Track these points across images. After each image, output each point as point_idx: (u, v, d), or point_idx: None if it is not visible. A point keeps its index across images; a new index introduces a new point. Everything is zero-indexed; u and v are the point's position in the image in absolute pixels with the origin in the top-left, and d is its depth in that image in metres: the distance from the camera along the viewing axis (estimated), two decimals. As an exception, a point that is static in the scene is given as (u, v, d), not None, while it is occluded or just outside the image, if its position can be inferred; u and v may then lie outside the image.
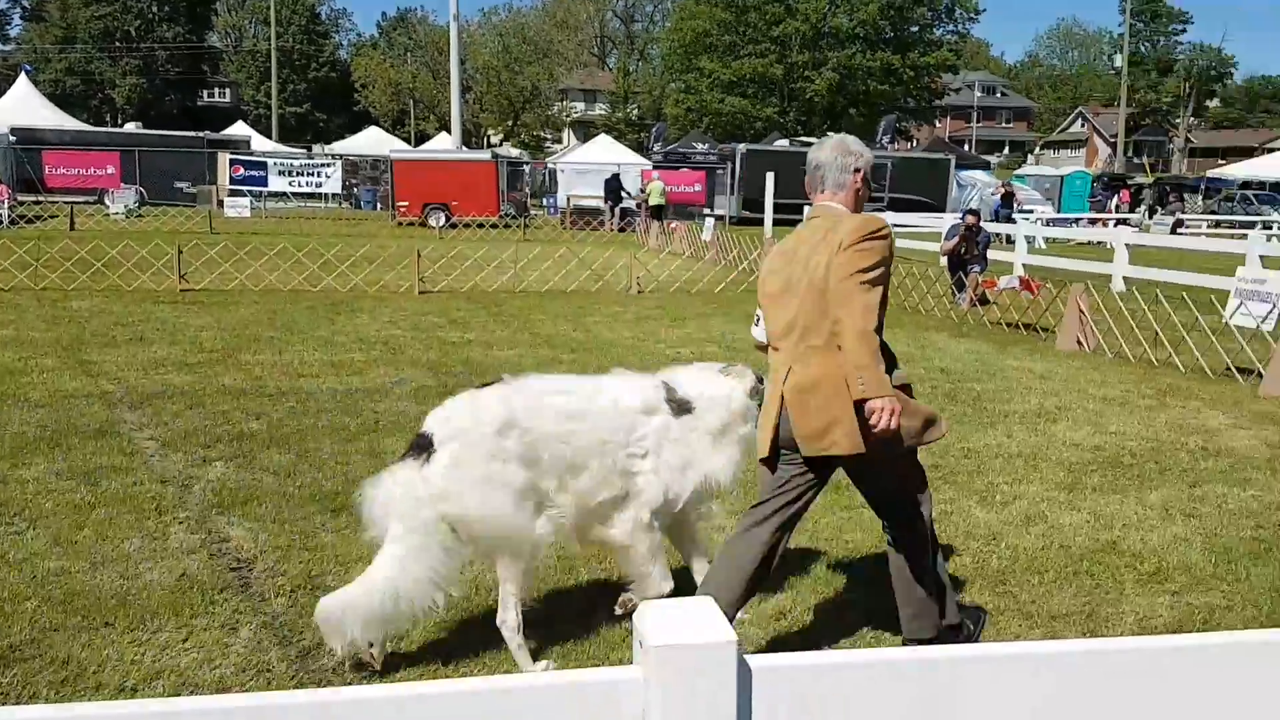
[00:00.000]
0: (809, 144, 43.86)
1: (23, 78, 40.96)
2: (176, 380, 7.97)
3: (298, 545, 4.63)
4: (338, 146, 49.16)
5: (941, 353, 10.36)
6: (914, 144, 63.21)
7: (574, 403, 3.63)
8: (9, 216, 25.43)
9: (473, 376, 8.49)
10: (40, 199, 30.30)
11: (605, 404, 3.67)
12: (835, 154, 3.70)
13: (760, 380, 3.85)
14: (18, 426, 6.42)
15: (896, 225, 25.83)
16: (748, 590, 3.41)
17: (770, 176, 30.75)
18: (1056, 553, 4.74)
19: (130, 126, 48.11)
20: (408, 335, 10.58)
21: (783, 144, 42.70)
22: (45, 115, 38.07)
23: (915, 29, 59.35)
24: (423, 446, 3.52)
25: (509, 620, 3.53)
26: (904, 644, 3.51)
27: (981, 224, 15.05)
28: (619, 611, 3.76)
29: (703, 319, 12.56)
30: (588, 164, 38.60)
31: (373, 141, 46.86)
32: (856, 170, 3.65)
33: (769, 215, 30.13)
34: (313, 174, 35.91)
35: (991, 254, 15.14)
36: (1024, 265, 18.01)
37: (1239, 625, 4.01)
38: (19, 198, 28.62)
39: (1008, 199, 31.40)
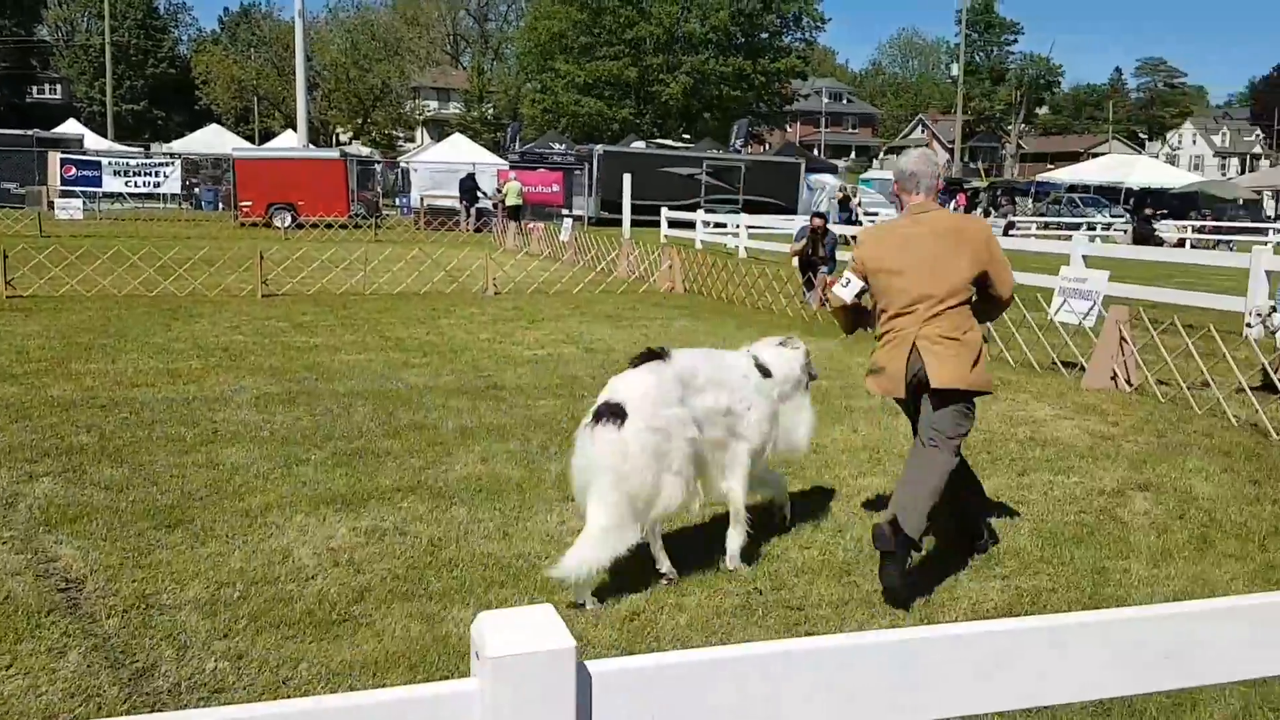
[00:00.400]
0: (665, 145, 44.70)
1: None
2: (0, 392, 7.46)
3: (130, 563, 4.40)
4: (177, 145, 46.98)
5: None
6: (766, 147, 64.81)
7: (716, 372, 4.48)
8: None
9: (319, 382, 8.26)
10: None
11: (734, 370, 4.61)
12: (927, 164, 4.56)
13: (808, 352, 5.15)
14: None
15: (750, 226, 26.46)
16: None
17: (627, 178, 31.05)
18: (898, 542, 4.92)
19: (-54, 122, 44.89)
20: (250, 341, 10.19)
21: (639, 146, 43.12)
22: None
23: (765, 36, 60.89)
24: (615, 413, 4.07)
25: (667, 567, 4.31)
26: (886, 524, 4.15)
27: (828, 226, 15.53)
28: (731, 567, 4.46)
29: (560, 320, 12.54)
30: (442, 163, 38.03)
31: (215, 140, 44.96)
32: (939, 177, 4.60)
33: (626, 216, 30.40)
34: (150, 174, 34.25)
35: (840, 255, 15.64)
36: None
37: (1064, 606, 4.25)
38: None
39: (844, 204, 32.50)
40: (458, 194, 32.71)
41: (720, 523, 4.80)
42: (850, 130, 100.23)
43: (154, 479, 5.56)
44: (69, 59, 71.97)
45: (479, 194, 32.89)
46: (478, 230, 30.55)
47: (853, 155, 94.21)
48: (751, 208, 35.16)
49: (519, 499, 5.40)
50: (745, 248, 25.35)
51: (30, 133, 38.30)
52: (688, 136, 53.16)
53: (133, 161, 35.44)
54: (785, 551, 4.77)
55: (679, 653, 1.38)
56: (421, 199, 34.68)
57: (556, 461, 6.11)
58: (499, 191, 32.52)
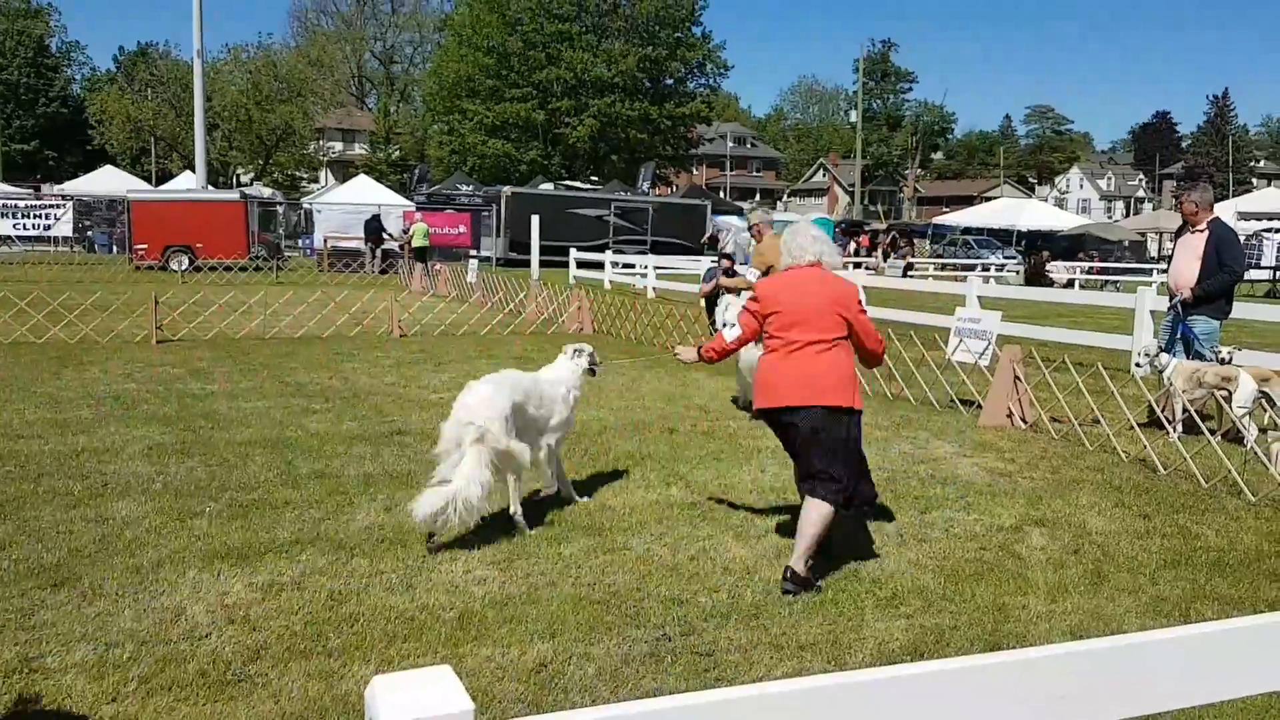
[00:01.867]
0: (574, 187, 44.92)
1: None
2: None
3: (12, 624, 4.17)
4: (70, 186, 45.42)
5: (700, 390, 10.72)
6: (673, 189, 65.64)
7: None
8: None
9: (214, 431, 8.01)
10: None
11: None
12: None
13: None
14: None
15: (658, 267, 26.70)
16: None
17: (535, 219, 31.03)
18: (805, 583, 4.96)
19: None
20: (143, 389, 9.84)
21: (547, 187, 43.29)
22: None
23: (670, 81, 61.88)
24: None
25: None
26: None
27: (735, 266, 15.72)
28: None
29: (468, 361, 12.41)
30: (347, 204, 37.52)
31: (110, 181, 43.61)
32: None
33: (535, 257, 30.34)
34: (41, 215, 33.03)
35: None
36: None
37: (966, 643, 4.33)
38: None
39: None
40: (363, 235, 32.29)
41: (623, 570, 4.77)
42: (754, 173, 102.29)
43: (39, 535, 5.30)
44: (-46, 97, 69.27)
45: (385, 235, 32.54)
46: (383, 272, 30.16)
47: (757, 198, 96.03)
48: (659, 248, 35.52)
49: (422, 548, 5.30)
50: (653, 287, 25.54)
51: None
52: (596, 178, 53.58)
53: (22, 203, 34.14)
54: (694, 595, 4.76)
55: (586, 711, 1.36)
56: (325, 240, 34.13)
57: (463, 509, 6.02)
58: (405, 233, 32.21)
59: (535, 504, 6.16)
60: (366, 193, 40.44)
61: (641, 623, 4.43)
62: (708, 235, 35.19)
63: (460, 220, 37.51)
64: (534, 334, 15.88)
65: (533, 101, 56.60)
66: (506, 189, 39.55)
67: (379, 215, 33.19)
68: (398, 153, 72.38)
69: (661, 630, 4.34)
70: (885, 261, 39.75)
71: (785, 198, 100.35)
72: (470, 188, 42.51)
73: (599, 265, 29.43)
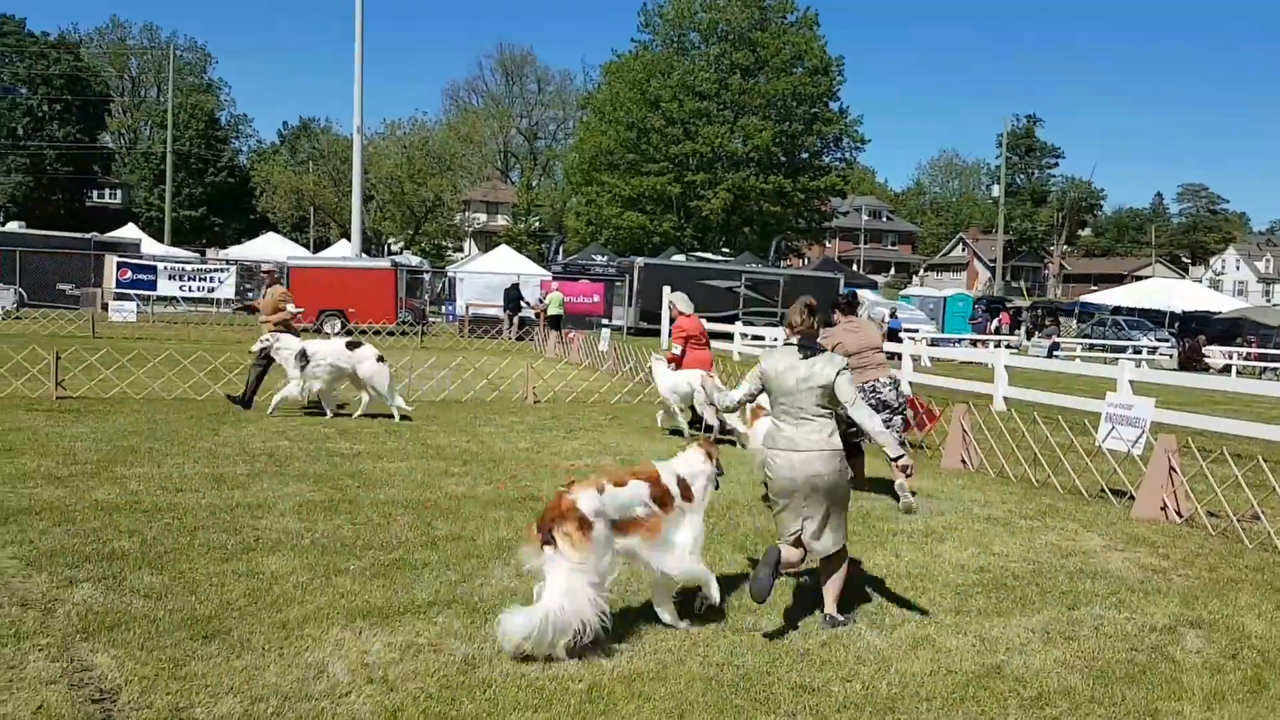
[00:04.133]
0: (705, 258, 45.21)
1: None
2: (45, 494, 7.55)
3: (165, 674, 4.37)
4: (234, 251, 48.37)
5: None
6: (805, 262, 65.49)
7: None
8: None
9: (360, 490, 8.29)
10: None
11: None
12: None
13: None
14: None
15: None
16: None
17: (667, 289, 31.42)
18: (944, 678, 4.78)
19: (12, 225, 46.61)
20: (295, 446, 10.29)
21: (679, 259, 43.76)
22: (-80, 212, 36.68)
23: (806, 155, 62.11)
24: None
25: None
26: None
27: None
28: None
29: (598, 430, 12.56)
30: (488, 273, 38.77)
31: (271, 247, 46.28)
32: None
33: (665, 326, 30.64)
34: (206, 279, 35.18)
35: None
36: (909, 384, 18.60)
37: (1118, 750, 4.08)
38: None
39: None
40: (502, 303, 33.27)
41: (752, 651, 4.67)
42: (890, 246, 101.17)
43: (193, 587, 5.56)
44: (130, 165, 74.97)
45: (523, 303, 33.45)
46: (520, 339, 30.93)
47: (892, 271, 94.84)
48: (791, 322, 35.33)
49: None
50: (785, 362, 25.34)
51: (88, 236, 39.69)
52: (727, 250, 53.91)
53: (188, 266, 36.51)
54: (826, 684, 4.63)
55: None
56: (467, 307, 35.29)
57: (594, 579, 6.05)
58: (541, 301, 33.04)
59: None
60: (507, 262, 41.74)
61: (772, 709, 4.33)
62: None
63: (594, 290, 38.25)
64: (662, 403, 15.92)
65: (668, 175, 57.62)
66: (639, 260, 40.18)
67: (518, 284, 34.18)
68: (537, 224, 74.62)
69: (793, 718, 4.24)
70: (1029, 340, 38.53)
71: (921, 271, 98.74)
72: (604, 258, 43.38)
73: (729, 336, 29.46)
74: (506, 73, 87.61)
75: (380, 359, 12.73)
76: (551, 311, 31.28)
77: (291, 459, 9.60)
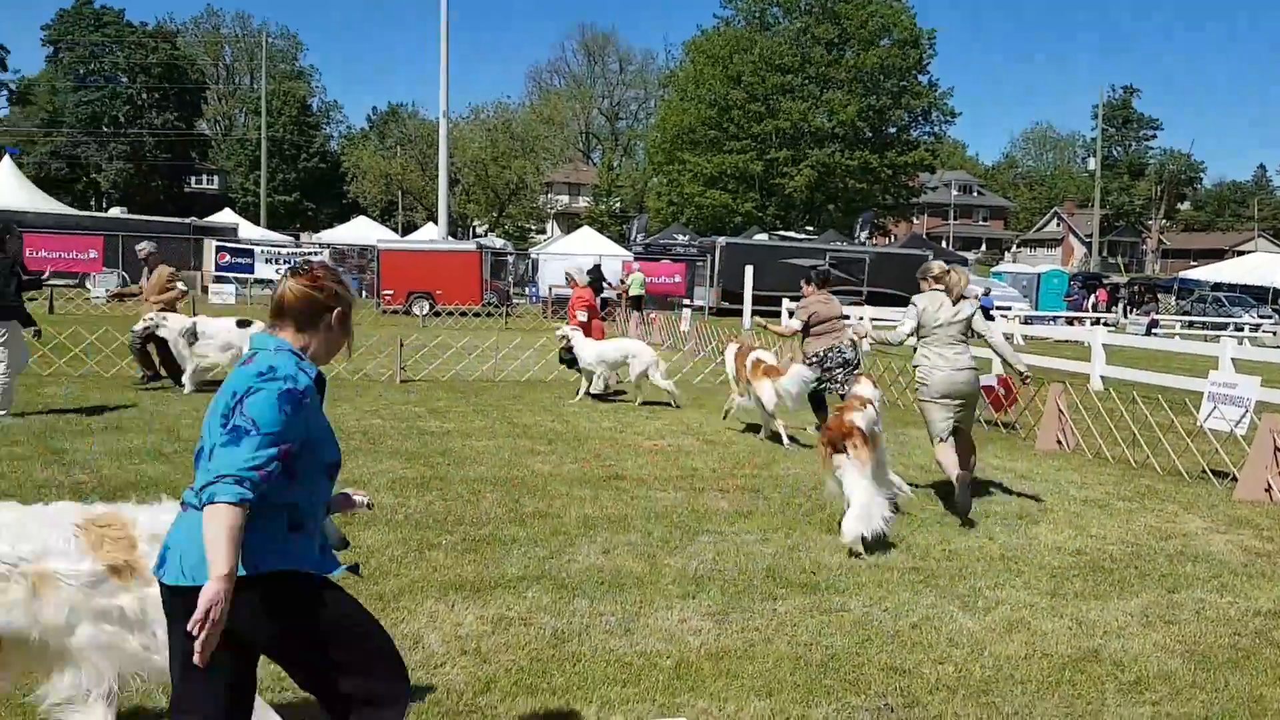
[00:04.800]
0: (788, 237, 44.73)
1: (6, 160, 41.24)
2: (151, 471, 7.87)
3: (268, 644, 4.52)
4: (326, 235, 49.53)
5: (922, 451, 10.37)
6: (891, 239, 64.39)
7: None
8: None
9: (450, 467, 8.45)
10: (21, 281, 30.28)
11: None
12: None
13: None
14: (-14, 516, 6.29)
15: (874, 319, 26.17)
16: None
17: (749, 269, 31.23)
18: (1039, 661, 4.69)
19: (115, 211, 48.44)
20: (388, 425, 10.54)
21: (762, 238, 43.44)
22: (27, 197, 38.26)
23: (893, 129, 60.94)
24: None
25: None
26: None
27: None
28: None
29: (681, 410, 12.57)
30: (570, 254, 38.99)
31: (361, 231, 47.26)
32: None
33: (748, 306, 30.48)
34: (299, 261, 36.06)
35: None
36: (1002, 364, 18.21)
37: (1223, 738, 3.96)
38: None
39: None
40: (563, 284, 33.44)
41: (841, 632, 4.65)
42: (981, 222, 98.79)
43: (293, 560, 5.74)
44: (226, 151, 77.21)
45: (604, 284, 33.57)
46: (602, 320, 31.07)
47: (983, 248, 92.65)
48: (876, 300, 34.85)
49: (639, 594, 5.38)
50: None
51: (188, 221, 41.03)
52: (811, 228, 53.32)
53: (284, 250, 37.53)
54: (917, 666, 4.59)
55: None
56: (550, 289, 35.59)
57: (677, 556, 6.09)
58: (623, 282, 33.14)
59: (752, 561, 6.14)
60: (588, 243, 41.94)
61: (861, 690, 4.31)
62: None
63: (676, 270, 38.23)
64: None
65: (751, 153, 57.13)
66: (721, 239, 39.99)
67: (599, 265, 34.32)
68: (618, 204, 74.76)
69: (884, 700, 4.21)
70: (1127, 318, 37.35)
71: (1014, 247, 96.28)
72: (686, 238, 43.28)
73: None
74: (588, 53, 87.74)
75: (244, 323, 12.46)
76: (633, 292, 31.37)
77: (384, 437, 9.83)
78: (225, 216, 47.16)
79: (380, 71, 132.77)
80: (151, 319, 12.47)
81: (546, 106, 74.46)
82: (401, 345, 14.55)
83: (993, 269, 56.41)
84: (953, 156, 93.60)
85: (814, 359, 10.52)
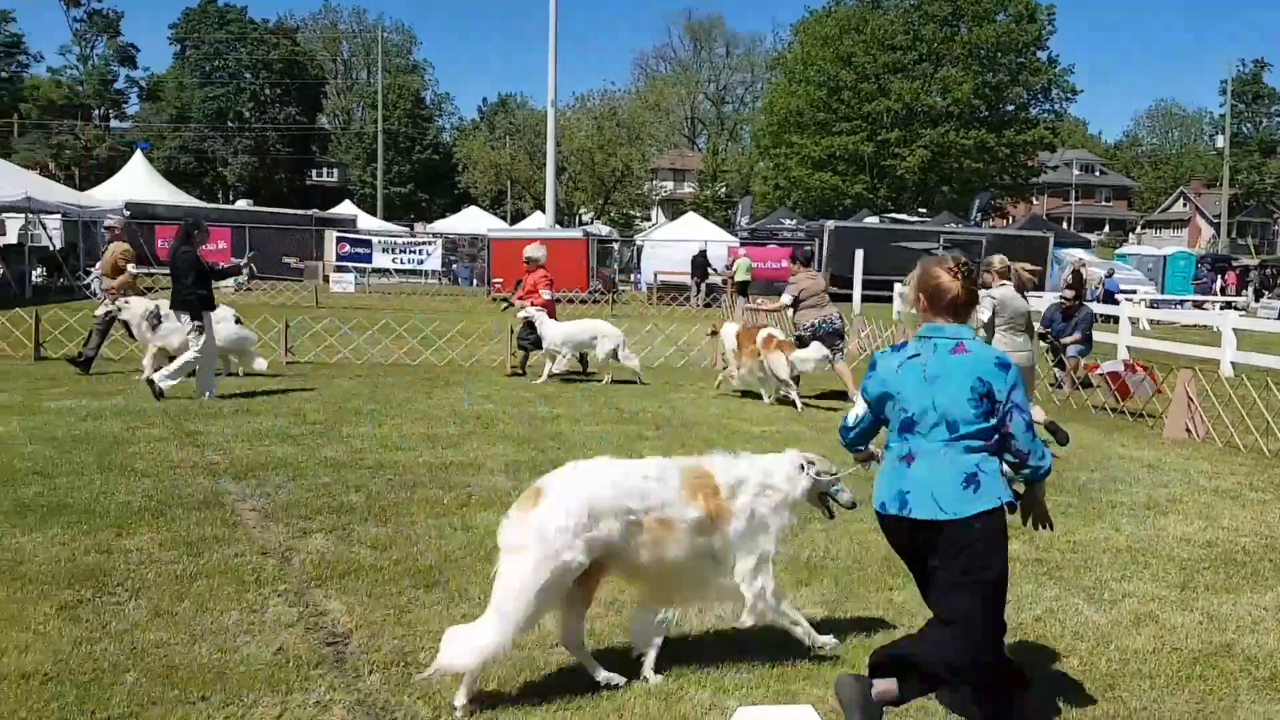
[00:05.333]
0: (899, 220, 43.83)
1: (138, 155, 43.31)
2: (279, 452, 8.20)
3: (391, 621, 4.67)
4: (439, 225, 50.68)
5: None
6: (1009, 221, 62.45)
7: None
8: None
9: (560, 451, 8.57)
10: (152, 271, 31.84)
11: None
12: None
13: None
14: (124, 496, 6.64)
15: (1001, 284, 25.46)
16: None
17: (859, 253, 30.68)
18: (1168, 656, 4.52)
19: (242, 203, 50.48)
20: (500, 410, 10.74)
21: (872, 221, 42.62)
22: (158, 191, 40.13)
23: (1011, 108, 59.04)
24: None
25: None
26: None
27: (1083, 302, 14.69)
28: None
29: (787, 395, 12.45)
30: (675, 241, 39.00)
31: (472, 220, 48.17)
32: None
33: (858, 291, 30.00)
34: (415, 252, 37.04)
35: (1095, 335, 14.73)
36: (1128, 348, 17.52)
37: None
38: (131, 270, 30.04)
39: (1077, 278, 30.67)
40: (689, 270, 33.41)
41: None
42: (1103, 202, 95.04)
43: (414, 540, 5.92)
44: (345, 145, 79.59)
45: (710, 270, 33.48)
46: (707, 305, 31.03)
47: (1106, 229, 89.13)
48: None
49: (754, 580, 5.35)
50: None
51: (310, 213, 42.48)
52: (924, 210, 52.14)
53: (399, 240, 38.54)
54: (1041, 660, 4.46)
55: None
56: (655, 275, 35.66)
57: (790, 543, 6.03)
58: (729, 268, 32.97)
59: (867, 550, 6.06)
60: (694, 229, 41.87)
61: (982, 680, 4.21)
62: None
63: (782, 255, 37.80)
64: (856, 370, 15.63)
65: (861, 134, 56.11)
66: (830, 222, 39.41)
67: (705, 251, 34.24)
68: (724, 189, 74.38)
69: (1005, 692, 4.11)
70: (1257, 301, 35.50)
71: (1138, 229, 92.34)
72: (793, 222, 42.79)
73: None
74: (694, 38, 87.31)
75: (238, 320, 12.39)
76: (739, 278, 31.19)
77: (497, 421, 10.02)
78: (345, 208, 48.66)
79: (490, 63, 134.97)
80: (114, 304, 12.15)
81: (652, 93, 74.54)
82: (512, 332, 14.78)
83: (1116, 251, 54.16)
84: (1073, 135, 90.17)
85: (808, 329, 11.73)
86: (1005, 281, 8.84)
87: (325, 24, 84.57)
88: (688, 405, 11.54)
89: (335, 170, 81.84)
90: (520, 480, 7.42)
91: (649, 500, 4.01)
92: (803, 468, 4.43)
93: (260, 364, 12.41)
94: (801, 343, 11.68)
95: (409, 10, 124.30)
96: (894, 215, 47.03)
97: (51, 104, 72.20)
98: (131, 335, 12.40)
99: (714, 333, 12.61)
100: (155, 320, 11.74)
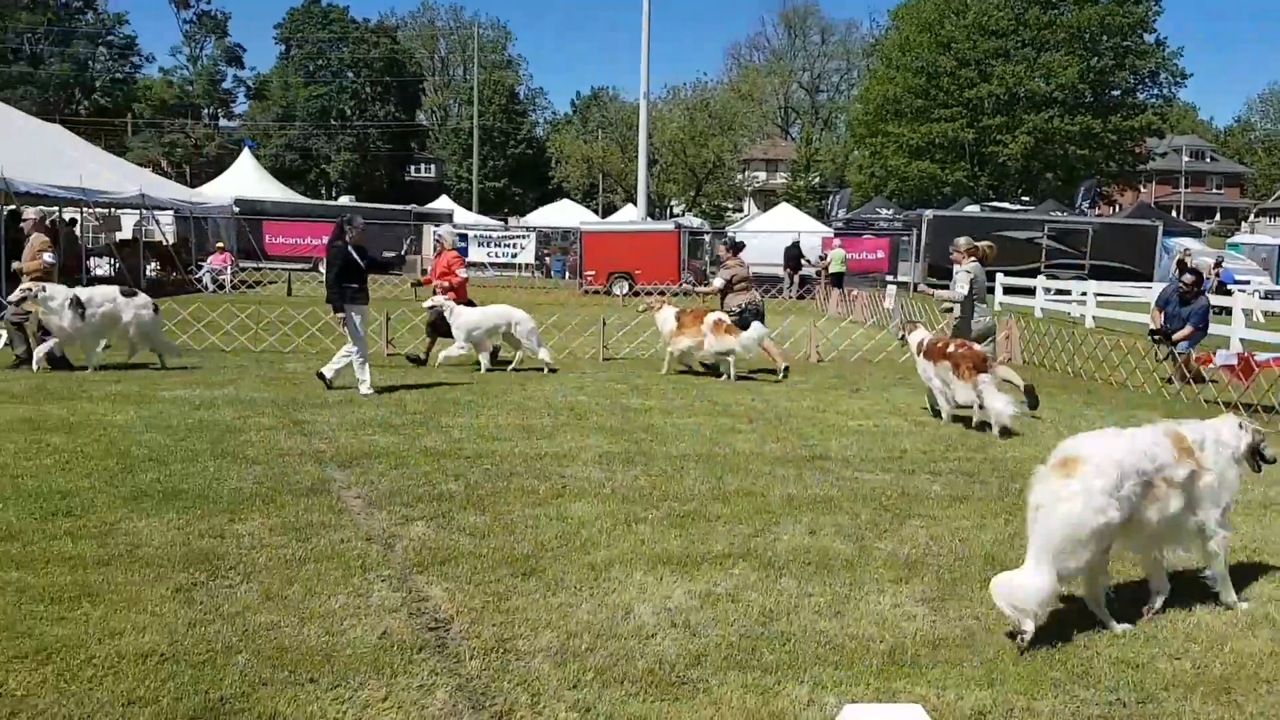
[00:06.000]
0: (1001, 208, 42.71)
1: (246, 153, 44.85)
2: (382, 441, 8.41)
3: (491, 607, 4.75)
4: (532, 218, 51.21)
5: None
6: (1116, 209, 60.34)
7: None
8: (231, 282, 27.77)
9: (653, 443, 8.59)
10: (260, 266, 32.93)
11: None
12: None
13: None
14: (236, 482, 6.90)
15: (1099, 294, 24.68)
16: None
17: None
18: (1289, 661, 4.32)
19: (344, 199, 51.83)
20: (592, 401, 10.80)
21: (973, 210, 41.56)
22: (266, 187, 41.49)
23: (1117, 92, 56.97)
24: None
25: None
26: None
27: (1200, 290, 14.07)
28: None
29: (886, 390, 12.27)
30: (767, 232, 38.69)
31: (564, 214, 48.56)
32: None
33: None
34: (509, 245, 37.53)
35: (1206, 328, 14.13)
36: (1241, 340, 16.78)
37: None
38: (240, 264, 31.18)
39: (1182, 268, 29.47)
40: (782, 262, 33.11)
41: (1068, 623, 4.43)
42: (1215, 190, 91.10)
43: (511, 528, 6.01)
44: (442, 141, 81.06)
45: (803, 261, 33.13)
46: (801, 297, 30.72)
47: (1217, 217, 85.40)
48: (1100, 274, 32.79)
49: (849, 576, 5.30)
50: (1093, 317, 23.64)
51: (408, 208, 43.35)
52: (1027, 199, 50.63)
53: (494, 234, 39.09)
54: (1151, 660, 4.32)
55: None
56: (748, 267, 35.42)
57: (887, 539, 5.96)
58: (822, 259, 32.58)
59: (969, 547, 5.94)
60: (787, 220, 41.45)
61: (1091, 683, 4.09)
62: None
63: (879, 245, 37.23)
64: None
65: (961, 120, 54.77)
66: (928, 212, 38.53)
67: (798, 242, 33.89)
68: (817, 179, 73.50)
69: (1115, 695, 3.99)
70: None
71: (1252, 217, 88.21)
72: (890, 211, 42.02)
73: (1029, 291, 27.81)
74: (789, 26, 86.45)
75: (155, 309, 12.20)
76: (833, 269, 30.82)
77: (590, 413, 10.09)
78: (442, 203, 49.54)
79: (584, 57, 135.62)
80: (27, 289, 11.69)
81: (745, 82, 73.94)
82: (604, 324, 14.88)
83: (1228, 240, 51.83)
84: (1183, 120, 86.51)
85: (737, 310, 13.16)
86: (973, 258, 10.38)
87: (424, 22, 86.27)
88: (781, 398, 11.44)
89: (432, 166, 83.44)
90: (612, 472, 7.48)
91: (1157, 462, 4.67)
92: (1241, 426, 5.08)
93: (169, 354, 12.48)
94: (742, 324, 12.89)
95: (504, 6, 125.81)
96: (996, 204, 45.81)
97: (163, 103, 75.23)
98: (40, 325, 11.98)
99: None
100: (79, 307, 11.55)
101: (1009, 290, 28.87)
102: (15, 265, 12.83)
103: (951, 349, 9.84)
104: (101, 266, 27.60)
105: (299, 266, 33.01)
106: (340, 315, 10.79)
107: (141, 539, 5.61)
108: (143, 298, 12.23)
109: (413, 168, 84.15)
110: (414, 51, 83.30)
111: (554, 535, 5.89)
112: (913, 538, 5.99)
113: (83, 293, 11.76)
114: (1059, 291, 27.56)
